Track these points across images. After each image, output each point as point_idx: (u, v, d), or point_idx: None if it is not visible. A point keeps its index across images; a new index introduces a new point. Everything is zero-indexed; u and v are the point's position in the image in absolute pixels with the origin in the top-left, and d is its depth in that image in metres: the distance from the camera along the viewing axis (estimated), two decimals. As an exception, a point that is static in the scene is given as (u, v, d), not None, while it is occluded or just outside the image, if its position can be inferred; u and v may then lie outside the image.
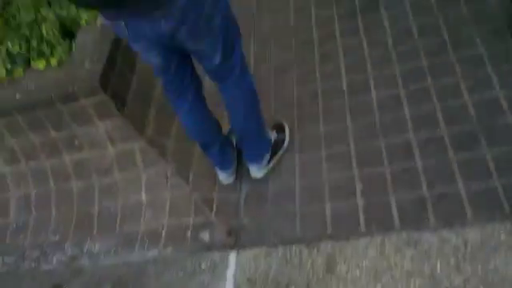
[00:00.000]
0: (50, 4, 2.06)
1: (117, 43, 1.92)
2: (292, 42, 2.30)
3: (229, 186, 1.89)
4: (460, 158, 1.61)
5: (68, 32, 2.04)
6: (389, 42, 2.06)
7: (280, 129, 1.91)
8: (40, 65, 1.92)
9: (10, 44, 1.98)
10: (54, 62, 1.91)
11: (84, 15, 2.01)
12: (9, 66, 1.97)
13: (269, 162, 1.81)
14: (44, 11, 2.01)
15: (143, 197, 1.91)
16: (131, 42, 1.38)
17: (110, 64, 1.84)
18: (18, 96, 1.86)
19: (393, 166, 1.68)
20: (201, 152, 1.85)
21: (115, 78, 1.85)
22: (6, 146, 2.04)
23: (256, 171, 1.81)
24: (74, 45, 1.97)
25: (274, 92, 2.12)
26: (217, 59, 1.43)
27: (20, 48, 1.96)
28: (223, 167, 1.83)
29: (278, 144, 1.85)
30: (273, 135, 1.85)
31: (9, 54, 1.98)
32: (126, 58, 1.95)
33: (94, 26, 1.99)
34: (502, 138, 1.60)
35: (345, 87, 2.01)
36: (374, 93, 1.94)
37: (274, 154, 1.83)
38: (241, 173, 1.91)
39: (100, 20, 1.98)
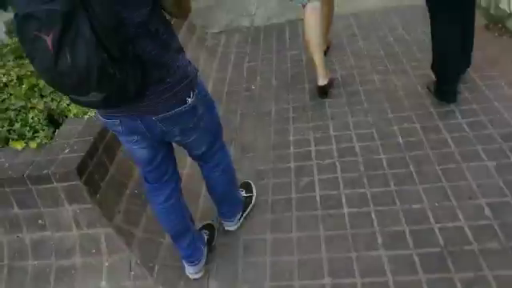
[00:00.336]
0: (42, 96, 2.15)
1: (101, 136, 1.98)
2: (270, 155, 2.44)
3: (195, 282, 1.79)
4: (429, 278, 1.64)
5: (54, 121, 2.10)
6: (361, 168, 2.23)
7: (248, 187, 2.14)
8: (18, 145, 1.92)
9: (-9, 124, 2.01)
10: (33, 145, 1.92)
11: (74, 110, 2.10)
12: (-16, 143, 1.96)
13: (240, 218, 2.02)
14: (34, 100, 2.10)
15: (103, 284, 1.74)
16: (121, 135, 1.47)
17: (90, 154, 1.87)
18: (-14, 171, 1.81)
19: (364, 279, 1.67)
20: (169, 244, 1.80)
21: (93, 167, 1.86)
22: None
23: (230, 226, 2.00)
24: (57, 133, 2.01)
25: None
26: (203, 149, 1.61)
27: (1, 128, 1.99)
28: (191, 261, 1.76)
29: (247, 201, 2.08)
30: (242, 194, 2.07)
31: (-12, 131, 1.99)
32: (108, 148, 2.00)
33: (81, 119, 2.07)
34: (468, 263, 1.66)
35: (318, 200, 2.07)
36: (346, 208, 2.01)
37: (244, 210, 2.04)
38: (208, 269, 1.83)
39: (89, 113, 2.08)
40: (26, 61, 2.26)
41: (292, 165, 2.34)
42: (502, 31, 3.12)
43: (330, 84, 2.88)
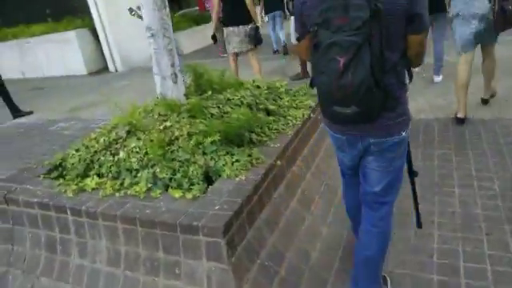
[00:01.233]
0: (204, 153, 2.36)
1: (248, 200, 2.07)
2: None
3: None
4: None
5: (209, 178, 2.28)
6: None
7: (384, 280, 2.07)
8: (176, 194, 2.11)
9: (158, 169, 2.26)
10: (189, 196, 2.09)
11: (227, 171, 2.25)
12: (149, 185, 2.20)
13: None
14: (197, 157, 2.32)
15: None
16: (341, 148, 1.86)
17: (236, 215, 1.95)
18: (147, 211, 2.00)
19: None
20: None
21: (236, 228, 1.93)
22: (115, 249, 2.10)
23: None
24: (209, 189, 2.17)
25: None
26: (378, 188, 1.80)
27: (165, 175, 2.22)
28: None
29: None
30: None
31: (154, 176, 2.24)
32: (250, 213, 2.07)
33: (232, 180, 2.20)
34: None
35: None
36: None
37: None
38: None
39: (240, 177, 2.20)
40: (198, 120, 2.56)
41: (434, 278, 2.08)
42: None
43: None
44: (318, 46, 1.50)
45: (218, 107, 2.75)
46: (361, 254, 1.89)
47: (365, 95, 1.45)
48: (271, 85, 3.41)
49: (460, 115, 3.84)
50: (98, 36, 9.86)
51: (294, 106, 3.24)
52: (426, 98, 4.60)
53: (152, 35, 2.74)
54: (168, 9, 2.86)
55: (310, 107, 3.24)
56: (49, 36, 10.04)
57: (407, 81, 1.65)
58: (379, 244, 1.86)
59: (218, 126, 2.43)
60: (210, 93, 2.89)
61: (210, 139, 2.34)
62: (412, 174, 1.96)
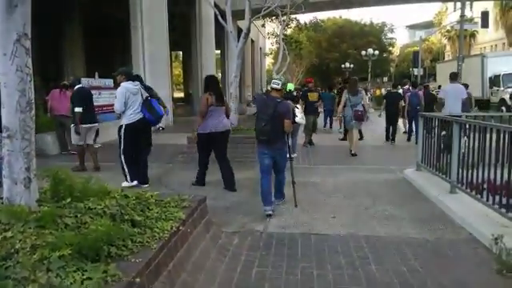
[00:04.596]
0: (49, 270, 2.06)
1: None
2: None
3: None
4: None
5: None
6: None
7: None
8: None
9: None
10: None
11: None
12: None
13: (281, 201, 5.23)
14: (39, 274, 2.00)
15: None
16: (264, 153, 4.88)
17: None
18: None
19: None
20: None
21: None
22: None
23: (278, 203, 5.11)
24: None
25: None
26: (279, 167, 5.06)
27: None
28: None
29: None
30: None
31: None
32: None
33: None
34: None
35: None
36: None
37: (283, 199, 5.30)
38: None
39: None
40: (47, 231, 2.28)
41: None
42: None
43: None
44: (258, 117, 4.90)
45: (76, 216, 2.53)
46: (279, 187, 5.15)
47: (272, 135, 4.72)
48: (140, 195, 3.31)
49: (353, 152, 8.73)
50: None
51: (163, 217, 3.15)
52: (296, 213, 4.92)
53: (8, 136, 2.52)
54: (34, 111, 2.71)
55: (179, 219, 3.18)
56: None
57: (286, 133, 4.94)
58: (284, 181, 5.14)
59: (70, 239, 2.19)
60: (68, 200, 2.66)
61: (58, 253, 2.08)
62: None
